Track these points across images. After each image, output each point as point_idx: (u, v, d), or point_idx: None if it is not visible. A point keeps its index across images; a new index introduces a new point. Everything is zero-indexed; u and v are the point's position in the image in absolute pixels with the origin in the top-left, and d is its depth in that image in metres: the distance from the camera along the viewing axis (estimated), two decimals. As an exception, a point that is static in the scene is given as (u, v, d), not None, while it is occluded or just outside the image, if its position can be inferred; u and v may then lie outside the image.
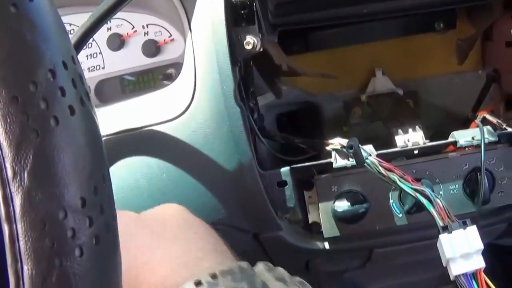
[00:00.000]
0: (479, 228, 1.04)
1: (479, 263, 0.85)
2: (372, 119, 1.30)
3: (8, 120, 0.38)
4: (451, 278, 0.86)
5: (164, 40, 1.08)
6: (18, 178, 0.38)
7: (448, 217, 0.87)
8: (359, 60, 1.30)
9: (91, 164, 0.41)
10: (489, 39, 1.30)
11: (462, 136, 1.03)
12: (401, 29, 1.28)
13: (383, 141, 1.08)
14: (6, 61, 0.38)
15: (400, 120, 1.20)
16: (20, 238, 0.38)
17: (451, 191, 1.04)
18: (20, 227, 0.38)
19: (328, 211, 1.02)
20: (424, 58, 1.32)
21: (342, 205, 1.00)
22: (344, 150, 0.95)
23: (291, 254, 1.14)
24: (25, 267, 0.38)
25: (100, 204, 0.41)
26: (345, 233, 1.04)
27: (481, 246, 0.86)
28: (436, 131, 1.17)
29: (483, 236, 1.18)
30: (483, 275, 0.85)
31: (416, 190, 0.90)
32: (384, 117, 1.28)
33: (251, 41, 0.92)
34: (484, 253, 1.71)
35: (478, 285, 0.85)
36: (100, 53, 1.10)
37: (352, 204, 1.00)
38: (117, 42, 1.09)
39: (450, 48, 1.30)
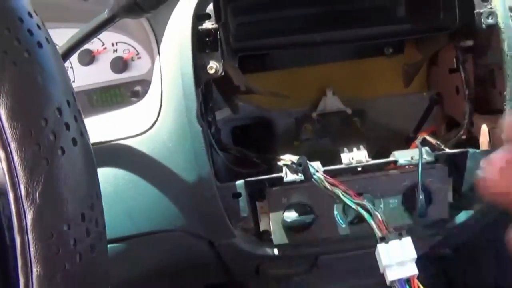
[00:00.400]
0: (417, 239, 1.15)
1: (412, 270, 0.94)
2: (321, 135, 1.35)
3: (23, 149, 0.47)
4: (388, 283, 0.94)
5: (132, 58, 1.13)
6: (31, 197, 0.47)
7: (386, 228, 0.96)
8: (312, 80, 1.36)
9: (89, 185, 0.51)
10: (434, 64, 1.37)
11: (402, 156, 1.11)
12: (352, 52, 1.35)
13: (331, 156, 1.14)
14: (22, 100, 0.48)
15: (347, 138, 1.25)
16: (31, 246, 0.47)
17: (391, 205, 1.13)
18: (31, 237, 0.47)
19: (278, 221, 1.09)
20: (372, 80, 1.39)
21: (291, 215, 1.07)
22: (294, 166, 1.03)
23: (243, 259, 1.21)
24: (34, 270, 0.47)
25: (96, 218, 0.51)
26: (293, 241, 1.11)
27: (414, 255, 0.95)
28: (380, 148, 1.23)
29: (422, 245, 1.28)
30: (416, 281, 0.95)
31: (357, 203, 0.98)
32: (333, 134, 1.33)
33: (213, 66, 0.99)
34: (426, 260, 1.83)
35: None
36: (71, 67, 1.15)
37: (300, 215, 1.08)
38: (88, 58, 1.14)
39: (397, 71, 1.38)
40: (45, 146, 0.48)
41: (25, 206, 0.47)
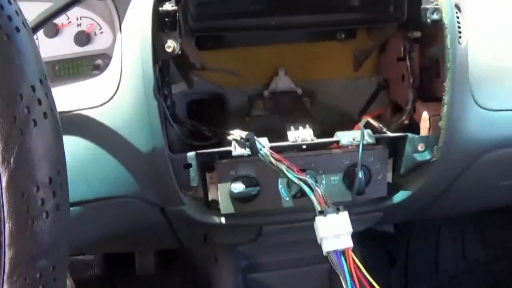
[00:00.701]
0: (356, 215, 1.24)
1: (348, 243, 1.02)
2: (271, 113, 1.42)
3: (1, 121, 0.56)
4: (324, 254, 1.02)
5: (95, 32, 1.18)
6: (6, 162, 0.56)
7: (325, 202, 1.04)
8: (265, 59, 1.42)
9: (56, 153, 0.60)
10: (384, 51, 1.43)
11: (344, 136, 1.19)
12: (306, 35, 1.41)
13: (279, 133, 1.22)
14: (1, 78, 0.56)
15: (295, 117, 1.32)
16: (5, 205, 0.56)
17: (333, 182, 1.21)
18: (5, 197, 0.56)
19: (226, 191, 1.17)
20: (324, 62, 1.45)
21: (238, 187, 1.15)
22: (242, 141, 1.10)
23: (192, 226, 1.29)
24: (7, 225, 0.56)
25: (61, 182, 0.60)
26: (239, 211, 1.20)
27: (350, 229, 1.02)
28: (328, 127, 1.31)
29: (363, 222, 1.40)
30: (351, 253, 1.02)
31: (300, 179, 1.07)
32: (282, 112, 1.40)
33: (171, 45, 1.05)
34: (369, 236, 1.93)
35: (346, 262, 1.01)
36: (37, 39, 1.19)
37: (246, 187, 1.16)
38: (53, 31, 1.19)
39: (348, 55, 1.45)
40: (20, 119, 0.56)
41: (1, 170, 0.56)
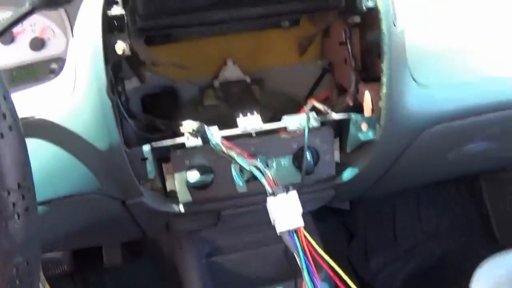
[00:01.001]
0: (309, 194, 1.34)
1: (299, 222, 1.09)
2: (222, 102, 1.49)
3: None
4: (278, 234, 1.10)
5: (49, 37, 1.23)
6: None
7: (275, 184, 1.12)
8: (213, 51, 1.48)
9: (22, 161, 0.68)
10: (327, 36, 1.51)
11: (291, 121, 1.27)
12: (251, 25, 1.46)
13: (230, 122, 1.28)
14: None
15: (245, 105, 1.38)
16: None
17: (283, 164, 1.29)
18: None
19: (182, 180, 1.24)
20: (270, 50, 1.52)
21: (193, 175, 1.22)
22: (194, 132, 1.17)
23: (153, 217, 1.37)
24: None
25: (28, 186, 0.68)
26: (196, 198, 1.27)
27: (300, 209, 1.10)
28: (277, 113, 1.36)
29: (317, 200, 1.49)
30: (302, 231, 1.09)
31: (250, 164, 1.15)
32: (232, 101, 1.48)
33: (121, 47, 1.11)
34: (327, 214, 2.01)
35: (299, 240, 1.08)
36: None
37: (201, 175, 1.22)
38: (9, 38, 1.23)
39: (293, 42, 1.52)
40: (-11, 133, 0.65)
41: None
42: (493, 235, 2.43)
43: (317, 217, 1.82)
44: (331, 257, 1.05)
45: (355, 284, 1.81)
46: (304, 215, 1.54)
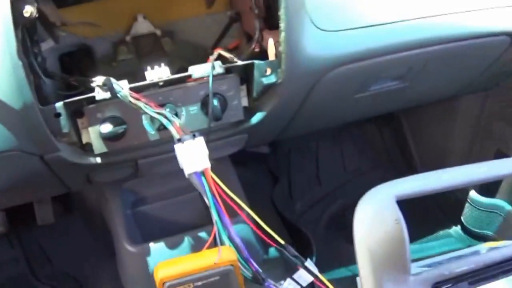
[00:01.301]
0: (221, 139, 1.43)
1: (205, 164, 1.18)
2: (135, 56, 1.55)
3: None
4: (186, 176, 1.19)
5: None
6: None
7: (182, 131, 1.20)
8: (124, 7, 1.54)
9: None
10: None
11: (197, 70, 1.35)
12: None
13: (142, 74, 1.35)
14: None
15: (155, 58, 1.45)
16: None
17: (191, 112, 1.37)
18: None
19: (96, 133, 1.31)
20: (180, 3, 1.59)
21: (106, 127, 1.29)
22: (103, 86, 1.24)
23: (72, 170, 1.44)
24: None
25: None
26: (111, 149, 1.35)
27: (206, 151, 1.18)
28: (188, 63, 1.41)
29: (231, 145, 1.57)
30: (209, 172, 1.18)
31: (158, 113, 1.22)
32: (144, 54, 1.54)
33: (29, 10, 1.17)
34: (248, 158, 2.08)
35: (206, 180, 1.17)
36: None
37: (114, 126, 1.30)
38: None
39: None
40: None
41: None
42: (415, 169, 2.56)
43: (241, 163, 1.92)
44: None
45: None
46: (224, 161, 1.64)
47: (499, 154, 2.23)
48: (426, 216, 2.41)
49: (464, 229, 2.33)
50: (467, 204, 2.28)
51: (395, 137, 2.68)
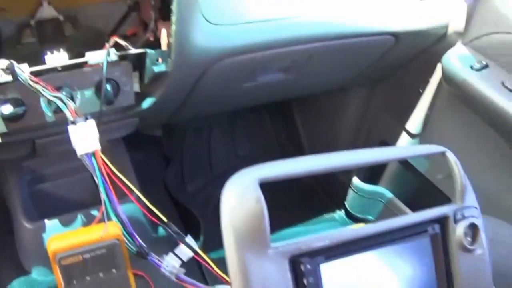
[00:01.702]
0: (113, 122, 1.53)
1: (96, 146, 1.28)
2: (39, 40, 1.58)
3: None
4: (78, 157, 1.28)
5: None
6: None
7: (75, 114, 1.29)
8: None
9: None
10: None
11: (92, 56, 1.44)
12: None
13: (41, 58, 1.43)
14: None
15: (56, 42, 1.52)
16: None
17: (86, 95, 1.46)
18: None
19: None
20: None
21: (7, 108, 1.37)
22: (5, 69, 1.31)
23: None
24: None
25: None
26: (11, 129, 1.41)
27: (97, 134, 1.28)
28: (87, 49, 1.49)
29: (124, 128, 1.68)
30: (98, 153, 1.28)
31: (54, 96, 1.31)
32: (46, 38, 1.58)
33: None
34: (143, 141, 2.16)
35: (96, 161, 1.28)
36: None
37: (14, 108, 1.37)
38: None
39: None
40: None
41: None
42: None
43: (134, 146, 2.03)
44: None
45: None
46: (118, 144, 1.74)
47: (382, 144, 2.40)
48: (312, 200, 2.58)
49: (348, 213, 2.51)
50: (350, 190, 2.45)
51: (286, 124, 2.82)
